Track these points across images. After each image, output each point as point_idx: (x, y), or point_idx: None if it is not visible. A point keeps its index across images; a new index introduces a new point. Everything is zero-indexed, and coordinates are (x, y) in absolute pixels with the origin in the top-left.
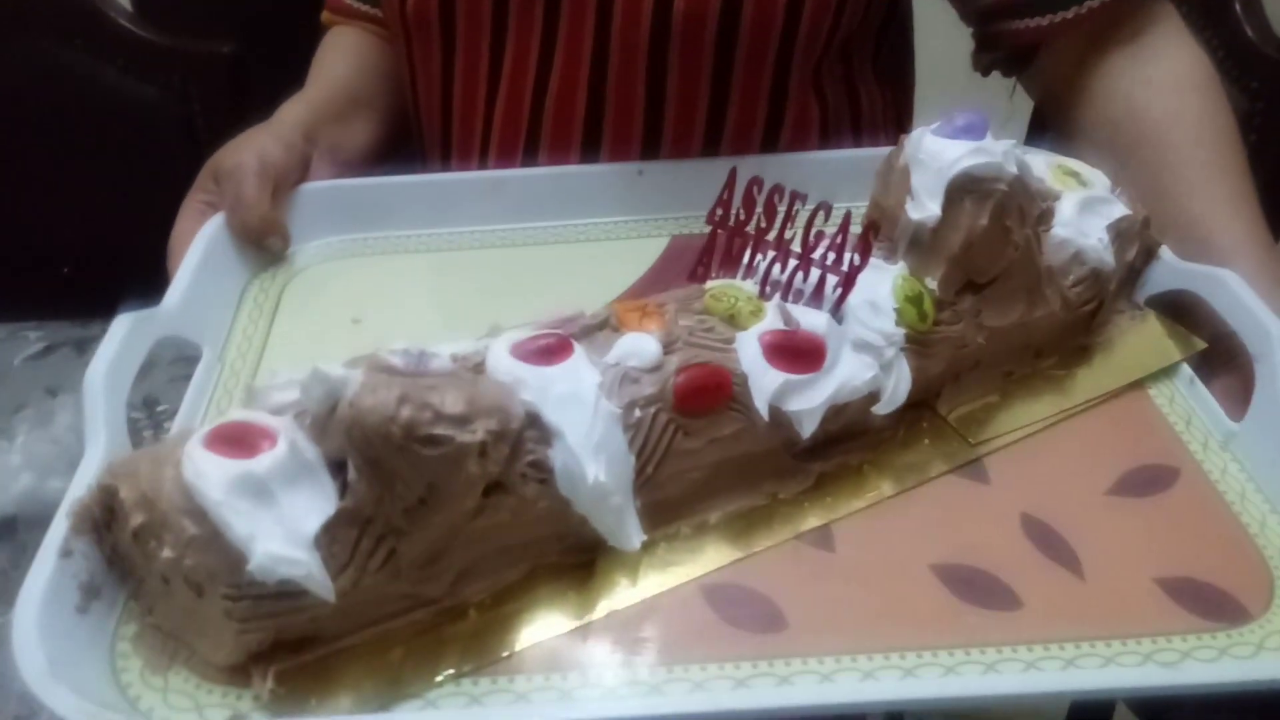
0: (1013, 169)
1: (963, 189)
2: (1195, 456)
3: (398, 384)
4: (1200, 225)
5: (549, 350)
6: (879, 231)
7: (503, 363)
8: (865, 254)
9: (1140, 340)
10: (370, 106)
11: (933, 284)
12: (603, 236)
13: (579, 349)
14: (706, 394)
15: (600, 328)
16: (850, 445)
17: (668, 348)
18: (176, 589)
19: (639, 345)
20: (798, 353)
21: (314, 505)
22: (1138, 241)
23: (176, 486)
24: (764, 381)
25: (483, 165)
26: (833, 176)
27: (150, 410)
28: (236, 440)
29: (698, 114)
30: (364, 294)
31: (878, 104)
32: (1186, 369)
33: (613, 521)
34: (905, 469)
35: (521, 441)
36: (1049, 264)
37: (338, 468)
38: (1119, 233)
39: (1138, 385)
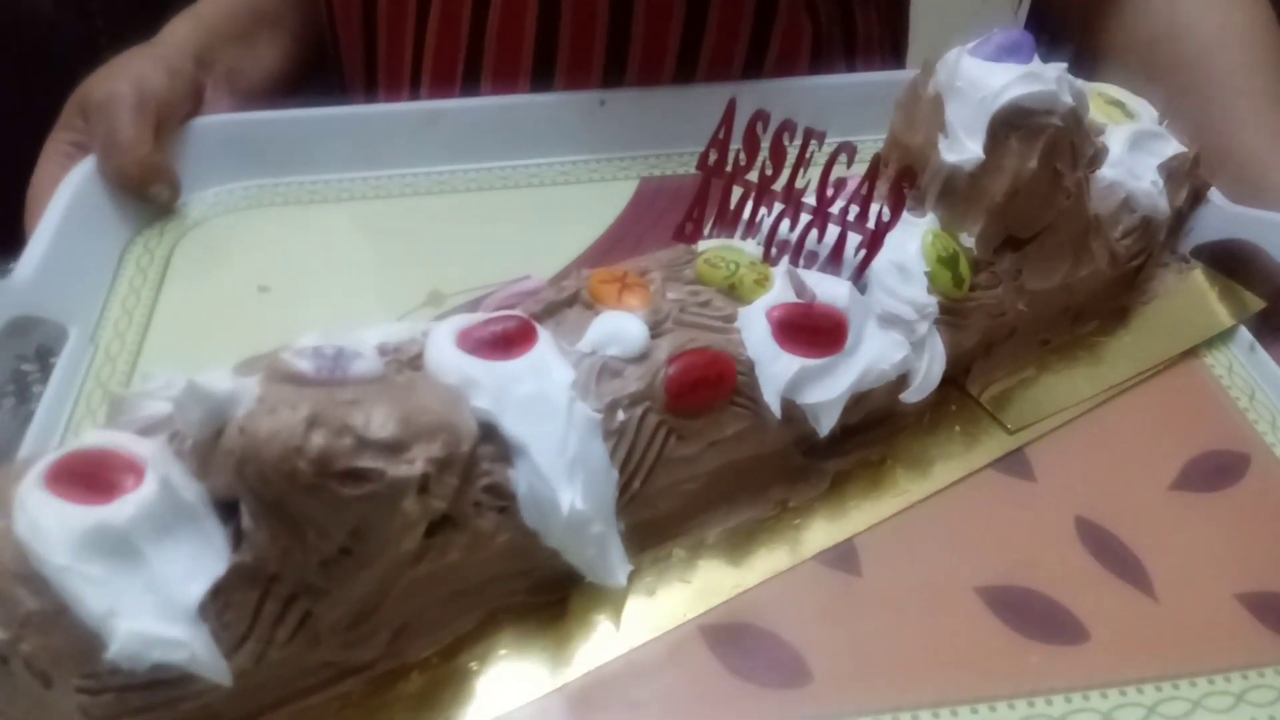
0: (1068, 99)
1: (1009, 124)
2: (1265, 439)
3: (306, 399)
4: (1255, 162)
5: (507, 338)
6: (914, 179)
7: (447, 357)
8: (898, 208)
9: (1190, 299)
10: (278, 24)
11: (969, 241)
12: (559, 180)
13: (544, 334)
14: (706, 387)
15: (569, 304)
16: (869, 437)
17: (655, 329)
18: (18, 673)
19: (620, 327)
20: (815, 331)
21: (197, 563)
22: (1187, 183)
23: (6, 544)
24: (775, 369)
25: (414, 95)
26: (829, 105)
27: (42, 362)
28: (89, 477)
29: (670, 33)
30: (273, 254)
31: (873, 22)
32: (1245, 333)
33: (593, 554)
34: (935, 464)
35: (475, 462)
36: (1096, 212)
37: (229, 509)
38: (1170, 174)
39: (1191, 353)
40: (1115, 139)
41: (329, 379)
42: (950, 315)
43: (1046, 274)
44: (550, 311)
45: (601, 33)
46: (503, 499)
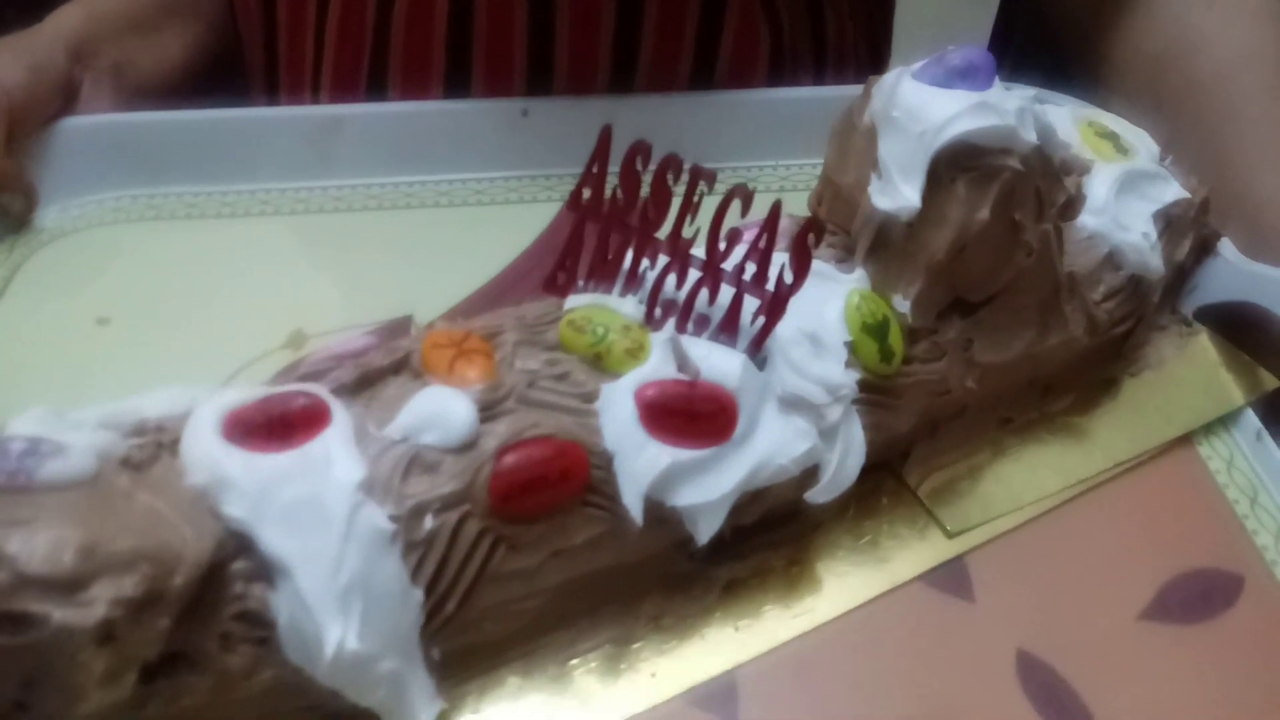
0: (1030, 136)
1: (956, 166)
2: (1266, 556)
3: None
4: (1273, 209)
5: (286, 422)
6: (822, 233)
7: (202, 446)
8: (801, 269)
9: (1188, 373)
10: (192, 11)
11: (904, 305)
12: (471, 199)
13: (340, 417)
14: (543, 487)
15: (395, 372)
16: (773, 537)
17: (490, 409)
18: None
19: (441, 407)
20: (694, 416)
21: None
22: (1191, 233)
23: None
24: (638, 463)
25: (315, 99)
26: (787, 125)
27: None
28: None
29: (602, 32)
30: (127, 279)
31: (848, 29)
32: (1252, 418)
33: (384, 695)
34: (852, 575)
35: (224, 584)
36: (1071, 270)
37: None
38: (1170, 223)
39: (1185, 441)
40: (1102, 180)
41: (6, 485)
42: (877, 394)
43: (1004, 344)
44: (366, 382)
45: (522, 30)
46: (262, 628)
